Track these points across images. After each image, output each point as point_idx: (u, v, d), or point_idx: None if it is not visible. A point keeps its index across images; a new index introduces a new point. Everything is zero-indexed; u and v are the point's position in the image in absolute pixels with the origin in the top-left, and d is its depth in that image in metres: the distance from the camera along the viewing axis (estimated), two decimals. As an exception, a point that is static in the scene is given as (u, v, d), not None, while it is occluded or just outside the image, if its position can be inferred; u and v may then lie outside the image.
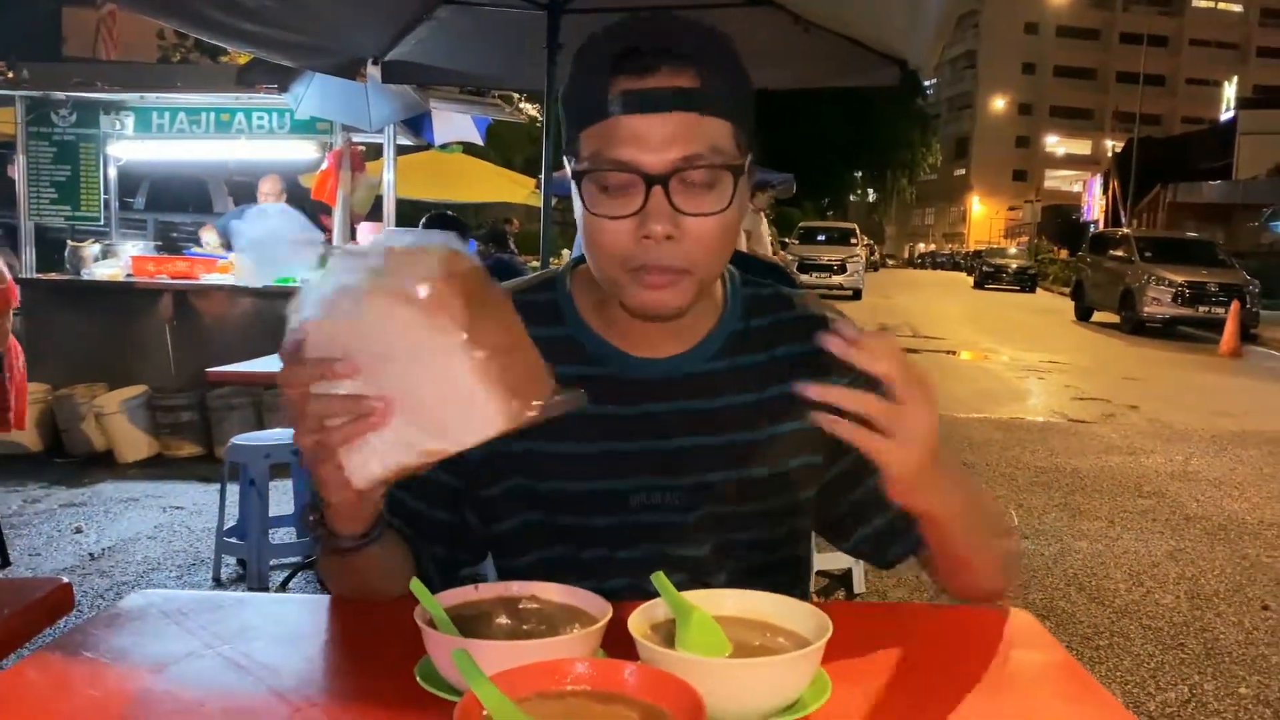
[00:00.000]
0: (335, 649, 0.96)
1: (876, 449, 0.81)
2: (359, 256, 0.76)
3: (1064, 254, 32.45)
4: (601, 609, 0.83)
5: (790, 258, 18.62)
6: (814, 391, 0.79)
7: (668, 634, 0.82)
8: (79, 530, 4.21)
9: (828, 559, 3.23)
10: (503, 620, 0.84)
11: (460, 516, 1.08)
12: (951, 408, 7.85)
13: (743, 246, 8.71)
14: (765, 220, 9.45)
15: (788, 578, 1.13)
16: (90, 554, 3.91)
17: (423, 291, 0.73)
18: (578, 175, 0.96)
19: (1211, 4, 71.88)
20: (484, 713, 0.64)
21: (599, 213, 0.95)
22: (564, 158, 1.00)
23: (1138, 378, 10.39)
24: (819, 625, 0.80)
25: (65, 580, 1.02)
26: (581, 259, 1.15)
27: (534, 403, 0.77)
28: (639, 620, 0.81)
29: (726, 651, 0.80)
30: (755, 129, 1.00)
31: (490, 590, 0.89)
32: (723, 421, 1.05)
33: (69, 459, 5.41)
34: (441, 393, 0.75)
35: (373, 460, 0.79)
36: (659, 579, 0.83)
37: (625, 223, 0.94)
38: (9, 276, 4.07)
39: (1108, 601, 3.72)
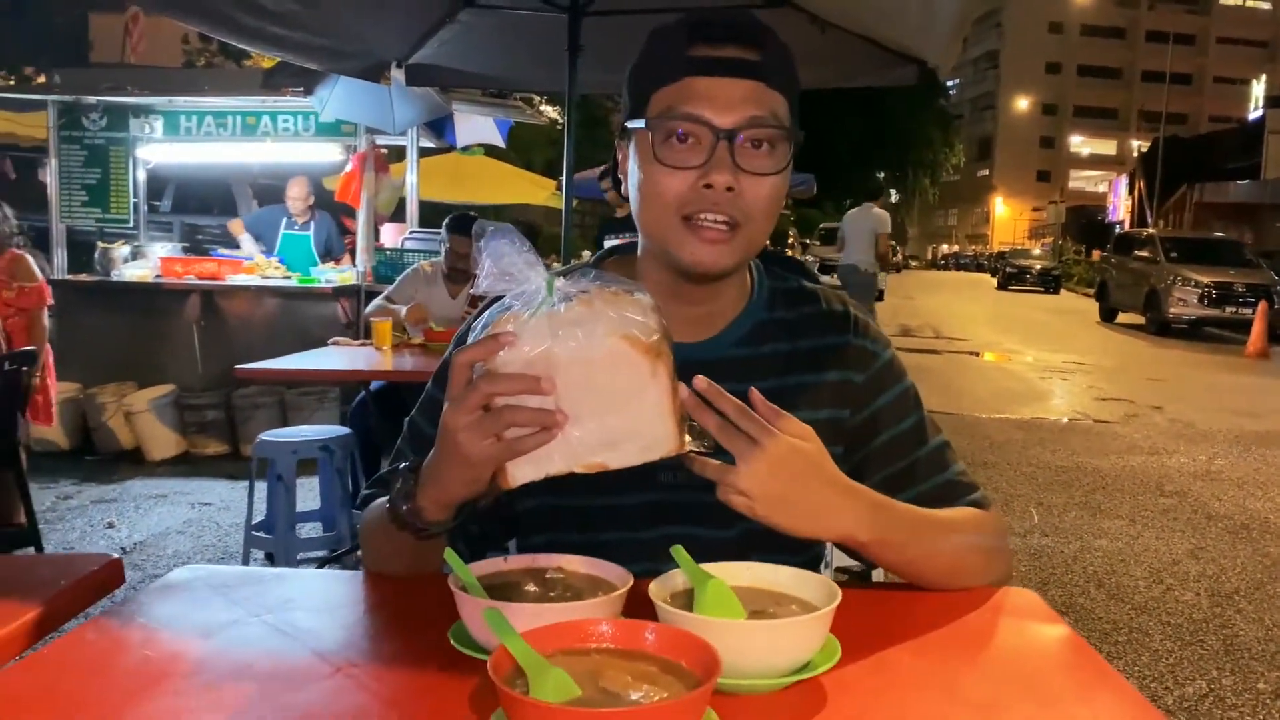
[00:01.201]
0: (372, 617, 1.01)
1: (714, 468, 0.89)
2: (570, 290, 0.85)
3: (1097, 255, 32.04)
4: (624, 578, 0.88)
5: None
6: (705, 388, 0.88)
7: (685, 602, 0.86)
8: (111, 525, 4.30)
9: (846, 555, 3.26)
10: (530, 588, 0.89)
11: None
12: (973, 408, 7.85)
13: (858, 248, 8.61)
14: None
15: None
16: (122, 548, 3.99)
17: (652, 338, 0.85)
18: (649, 124, 1.03)
19: (1239, 1, 71.06)
20: (514, 664, 0.69)
21: (665, 161, 1.02)
22: (625, 123, 1.07)
23: (1162, 378, 10.32)
24: (829, 593, 0.84)
25: (116, 556, 1.08)
26: (609, 252, 1.19)
27: (688, 439, 0.88)
28: (658, 589, 0.86)
29: (742, 617, 0.84)
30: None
31: (518, 561, 0.94)
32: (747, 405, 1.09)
33: (98, 456, 5.52)
34: (628, 420, 0.86)
35: (539, 465, 0.87)
36: (678, 551, 0.88)
37: (687, 173, 1.02)
38: (40, 276, 4.17)
39: (1127, 598, 3.73)
